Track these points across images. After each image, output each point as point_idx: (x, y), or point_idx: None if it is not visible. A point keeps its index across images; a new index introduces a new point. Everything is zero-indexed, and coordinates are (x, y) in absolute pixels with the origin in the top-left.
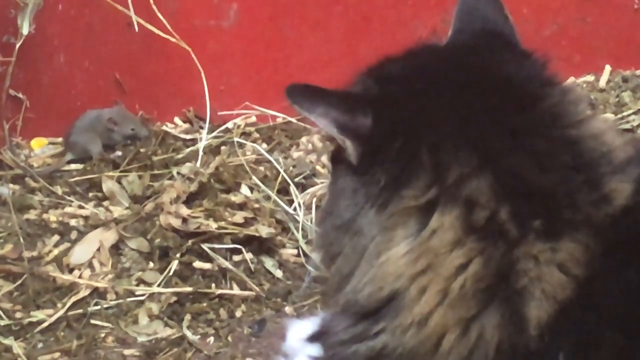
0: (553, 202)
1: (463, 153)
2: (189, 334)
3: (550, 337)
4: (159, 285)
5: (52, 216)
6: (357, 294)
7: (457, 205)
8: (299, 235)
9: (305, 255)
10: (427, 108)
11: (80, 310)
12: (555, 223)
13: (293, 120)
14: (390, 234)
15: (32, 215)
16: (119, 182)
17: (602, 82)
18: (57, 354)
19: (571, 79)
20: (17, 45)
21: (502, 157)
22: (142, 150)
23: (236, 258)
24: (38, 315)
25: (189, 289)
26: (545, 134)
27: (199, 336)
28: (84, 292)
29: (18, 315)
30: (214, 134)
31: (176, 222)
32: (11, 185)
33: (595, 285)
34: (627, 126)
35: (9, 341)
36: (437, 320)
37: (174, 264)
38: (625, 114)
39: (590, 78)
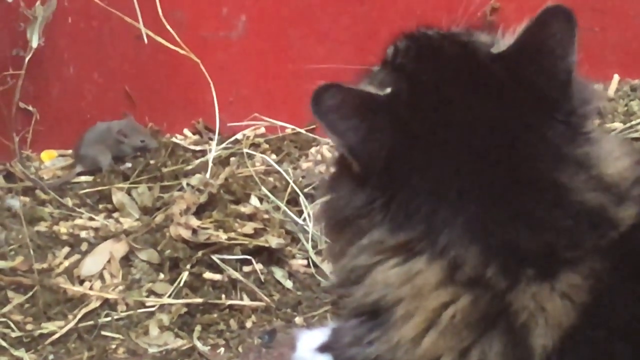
0: (547, 251)
1: (457, 225)
2: (199, 344)
3: None
4: (169, 297)
5: (63, 228)
6: (362, 299)
7: (444, 262)
8: (308, 246)
9: (315, 265)
10: (437, 168)
11: (91, 322)
12: (550, 266)
13: (302, 131)
14: (382, 267)
15: (42, 227)
16: (129, 194)
17: (611, 92)
18: None
19: (597, 92)
20: (27, 59)
21: (493, 228)
22: (151, 162)
23: (246, 269)
24: (49, 327)
25: (199, 300)
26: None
27: (209, 347)
28: (94, 304)
29: (29, 327)
30: (223, 145)
31: (186, 234)
32: (22, 198)
33: (601, 306)
34: (636, 135)
35: (20, 353)
36: (429, 345)
37: (184, 275)
38: (633, 122)
39: (598, 87)
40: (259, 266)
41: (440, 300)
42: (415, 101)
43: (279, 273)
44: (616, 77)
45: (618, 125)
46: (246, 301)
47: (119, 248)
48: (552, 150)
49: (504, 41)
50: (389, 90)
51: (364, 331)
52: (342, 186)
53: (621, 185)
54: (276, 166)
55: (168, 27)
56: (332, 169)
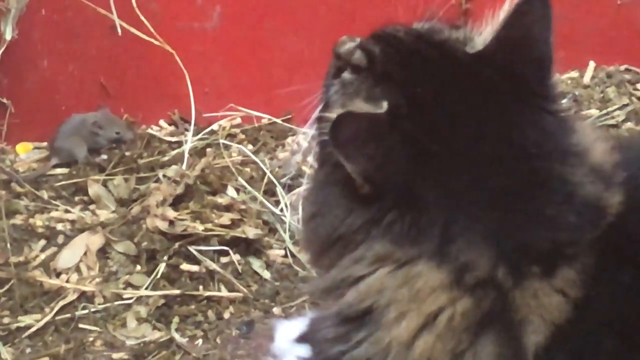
0: (553, 248)
1: (474, 233)
2: (177, 336)
3: (547, 358)
4: (146, 289)
5: (39, 221)
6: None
7: (450, 265)
8: (286, 236)
9: (292, 255)
10: (448, 178)
11: (68, 315)
12: (553, 263)
13: (278, 121)
14: (377, 275)
15: (18, 220)
16: (105, 186)
17: (587, 78)
18: (45, 359)
19: (556, 76)
20: (0, 51)
21: (509, 231)
22: (127, 153)
23: (223, 260)
24: (26, 320)
25: (177, 292)
26: (551, 192)
27: (187, 338)
28: (71, 296)
29: (6, 320)
30: (199, 136)
31: (163, 225)
32: None
33: (591, 299)
34: (612, 122)
35: None
36: (423, 348)
37: (161, 267)
38: (610, 109)
39: (574, 74)
40: (236, 257)
41: (438, 304)
42: (417, 116)
43: (256, 263)
44: (592, 64)
45: (594, 112)
46: (224, 292)
47: (96, 240)
48: (554, 144)
49: (480, 36)
50: (385, 105)
51: (350, 329)
52: (338, 206)
53: (605, 171)
54: (253, 156)
55: (142, 18)
56: (318, 185)
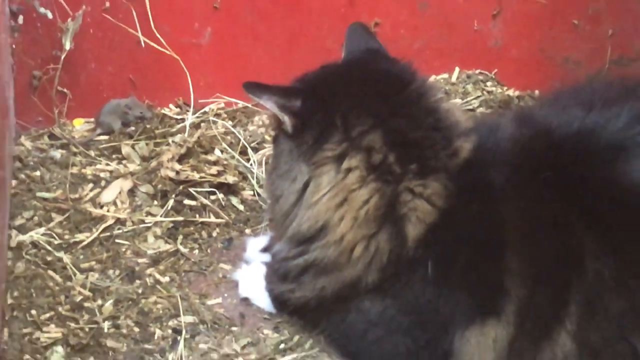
0: (422, 152)
1: (363, 118)
2: (181, 248)
3: (422, 249)
4: (160, 216)
5: (88, 171)
6: (301, 226)
7: (361, 152)
8: (254, 182)
9: (258, 195)
10: (337, 92)
11: (108, 233)
12: (424, 167)
13: (249, 105)
14: (318, 180)
15: (74, 170)
16: (133, 148)
17: (453, 79)
18: (93, 263)
19: (432, 77)
20: (62, 57)
21: (388, 119)
22: (148, 126)
23: (212, 197)
24: (79, 237)
25: (181, 218)
26: (415, 105)
27: (188, 249)
28: (110, 221)
29: (66, 237)
30: (196, 115)
31: (172, 174)
32: (60, 151)
33: (451, 214)
34: (470, 107)
35: (60, 254)
36: (350, 238)
37: (171, 202)
38: (468, 99)
39: (445, 76)
40: (220, 195)
41: (362, 199)
42: (326, 91)
43: (234, 200)
44: (457, 69)
45: (458, 101)
46: (212, 219)
47: (126, 184)
48: (425, 103)
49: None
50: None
51: (305, 247)
52: (282, 151)
53: (461, 127)
54: (232, 129)
55: (158, 35)
56: (275, 147)
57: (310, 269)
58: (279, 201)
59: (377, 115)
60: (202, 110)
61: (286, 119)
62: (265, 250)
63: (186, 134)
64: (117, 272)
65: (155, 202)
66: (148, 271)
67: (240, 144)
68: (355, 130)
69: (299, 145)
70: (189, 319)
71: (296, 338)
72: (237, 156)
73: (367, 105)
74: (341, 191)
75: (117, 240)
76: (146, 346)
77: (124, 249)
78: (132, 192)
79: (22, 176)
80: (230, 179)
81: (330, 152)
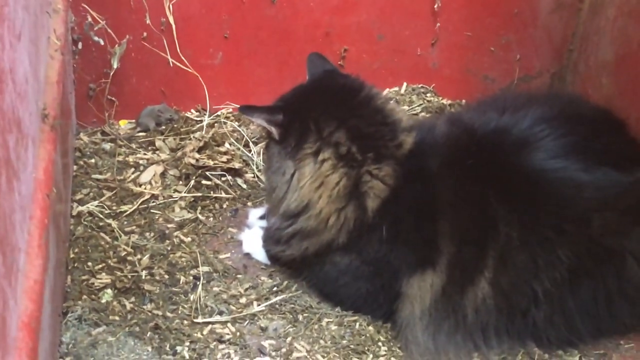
0: (376, 143)
1: (330, 121)
2: (200, 216)
3: (379, 217)
4: (184, 193)
5: (130, 158)
6: (290, 206)
7: (331, 147)
8: (254, 167)
9: (258, 177)
10: (308, 105)
11: (145, 206)
12: (378, 155)
13: None
14: (302, 171)
15: (120, 158)
16: (164, 142)
17: (402, 91)
18: (134, 227)
19: (386, 89)
20: (112, 73)
21: (348, 120)
22: (175, 125)
23: (223, 179)
24: (123, 207)
25: (199, 194)
26: (366, 107)
27: (205, 217)
28: (147, 196)
29: (114, 208)
30: (211, 117)
31: (193, 161)
32: (109, 144)
33: (400, 191)
34: (414, 112)
35: (110, 221)
36: (326, 211)
37: (192, 182)
38: (413, 107)
39: (396, 89)
40: (229, 177)
41: (334, 181)
42: (300, 105)
43: (239, 180)
44: (405, 84)
45: (405, 107)
46: (223, 195)
47: (159, 169)
48: (374, 105)
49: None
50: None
51: (294, 220)
52: (272, 154)
53: (403, 125)
54: (238, 128)
55: (183, 57)
56: (267, 149)
57: (297, 235)
58: (275, 190)
59: (340, 118)
60: (215, 114)
61: (273, 130)
62: (262, 217)
63: (204, 132)
64: (152, 234)
65: (181, 182)
66: (175, 233)
67: (244, 139)
68: (325, 131)
69: (285, 147)
70: (206, 268)
71: (285, 283)
72: (241, 148)
73: (332, 111)
74: (319, 177)
75: (152, 211)
76: (174, 289)
77: (157, 217)
78: (163, 175)
79: (81, 162)
80: (236, 165)
81: (308, 150)
